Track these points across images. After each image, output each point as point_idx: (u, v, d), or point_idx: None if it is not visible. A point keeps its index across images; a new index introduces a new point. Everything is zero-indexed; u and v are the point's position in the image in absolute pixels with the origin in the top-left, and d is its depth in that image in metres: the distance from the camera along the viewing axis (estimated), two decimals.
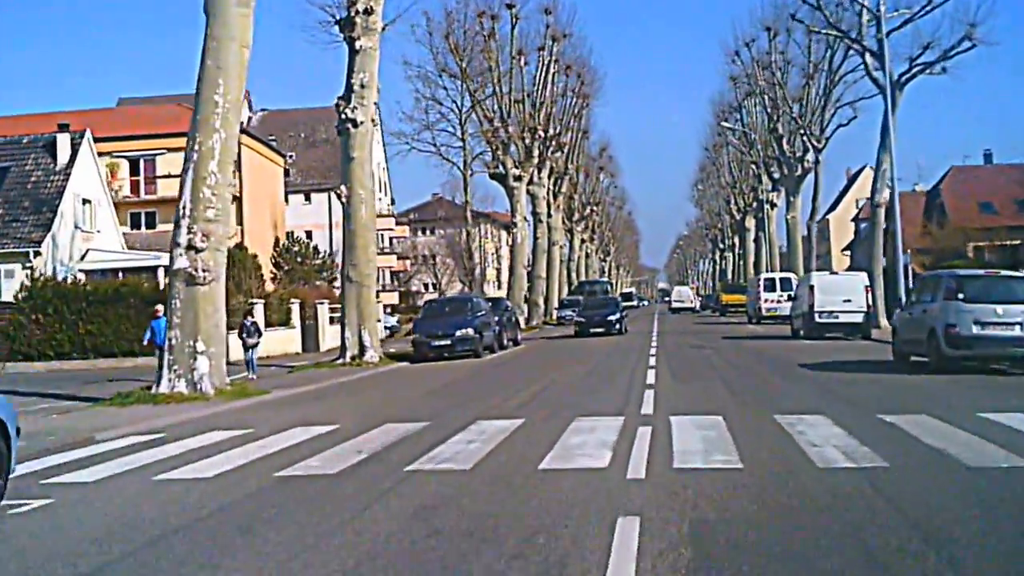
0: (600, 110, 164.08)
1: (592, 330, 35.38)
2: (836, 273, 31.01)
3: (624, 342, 30.28)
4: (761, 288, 44.55)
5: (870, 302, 28.82)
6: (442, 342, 25.27)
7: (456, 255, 79.83)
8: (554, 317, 58.50)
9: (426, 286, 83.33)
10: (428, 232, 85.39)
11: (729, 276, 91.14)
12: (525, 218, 50.47)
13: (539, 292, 57.28)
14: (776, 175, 60.04)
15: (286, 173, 68.18)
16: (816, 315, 28.59)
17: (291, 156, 68.81)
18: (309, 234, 66.77)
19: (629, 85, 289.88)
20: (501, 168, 49.95)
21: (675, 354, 23.52)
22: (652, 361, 20.72)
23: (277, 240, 43.97)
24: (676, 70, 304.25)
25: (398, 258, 74.68)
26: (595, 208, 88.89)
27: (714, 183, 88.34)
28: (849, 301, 28.60)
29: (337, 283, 47.60)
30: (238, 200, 50.40)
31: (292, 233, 43.98)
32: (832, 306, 28.56)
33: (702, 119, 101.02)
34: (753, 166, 65.33)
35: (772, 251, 59.10)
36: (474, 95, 47.03)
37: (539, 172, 56.63)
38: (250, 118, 70.90)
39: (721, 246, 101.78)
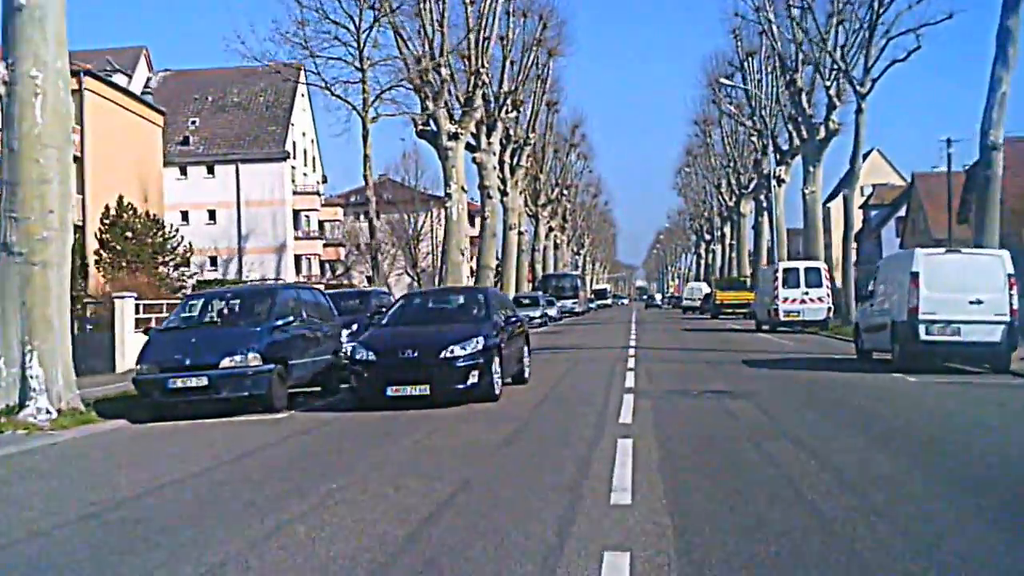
0: (570, 84, 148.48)
1: (394, 390, 11.96)
2: (956, 250, 17.42)
3: (563, 389, 14.50)
4: (779, 283, 31.36)
5: (1015, 304, 15.54)
6: (191, 382, 11.82)
7: (403, 243, 66.43)
8: None
9: (369, 279, 69.59)
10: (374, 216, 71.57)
11: (718, 270, 78.07)
12: (463, 189, 37.07)
13: (486, 286, 43.91)
14: (785, 146, 47.14)
15: (185, 141, 54.81)
16: (923, 328, 15.34)
17: (194, 122, 55.46)
18: (212, 214, 53.48)
19: (605, 55, 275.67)
20: (432, 124, 36.54)
21: (677, 426, 9.97)
22: (623, 476, 7.21)
23: (107, 210, 30.27)
24: (662, 37, 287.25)
25: (326, 245, 61.11)
26: (565, 192, 75.55)
27: (703, 164, 75.14)
28: (980, 303, 15.35)
29: (189, 272, 33.91)
30: (79, 161, 36.88)
31: (122, 199, 30.05)
32: (952, 311, 15.29)
33: (690, 96, 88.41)
34: (755, 136, 52.19)
35: (779, 236, 46.04)
36: (383, 4, 32.68)
37: (488, 136, 43.34)
38: (149, 79, 57.47)
39: (707, 237, 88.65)
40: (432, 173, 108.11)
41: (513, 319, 14.42)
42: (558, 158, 71.69)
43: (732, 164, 62.32)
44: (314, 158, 60.78)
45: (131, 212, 29.48)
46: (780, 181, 46.95)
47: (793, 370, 16.55)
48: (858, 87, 31.84)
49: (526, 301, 45.14)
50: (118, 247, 28.90)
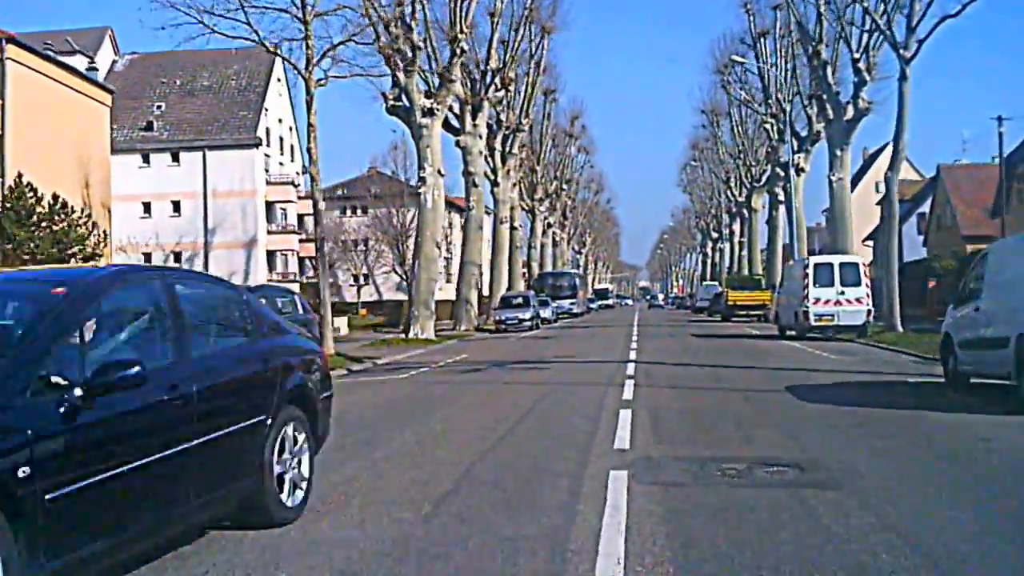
0: (569, 73, 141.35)
1: None
2: None
3: (496, 459, 7.96)
4: (809, 280, 25.63)
5: None
6: None
7: (390, 239, 60.52)
8: (493, 321, 39.59)
9: (356, 278, 64.08)
10: (360, 212, 65.95)
11: (725, 270, 72.34)
12: (440, 172, 31.40)
13: (471, 284, 38.36)
14: (804, 132, 41.51)
15: (148, 127, 49.29)
16: None
17: (159, 106, 50.01)
18: (177, 205, 47.99)
19: (606, 51, 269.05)
20: (404, 98, 30.93)
21: None
22: None
23: (9, 190, 24.64)
24: (667, 28, 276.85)
25: (304, 240, 55.38)
26: (565, 187, 69.83)
27: (710, 158, 69.36)
28: None
29: (103, 262, 28.14)
30: None
31: (21, 177, 24.23)
32: None
33: (697, 83, 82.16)
34: (768, 124, 46.39)
35: (799, 231, 40.32)
36: None
37: (473, 117, 37.80)
38: (114, 62, 52.08)
39: (714, 236, 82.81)
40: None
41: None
42: (556, 149, 66.13)
43: (742, 156, 56.56)
44: (293, 147, 55.15)
45: (31, 193, 23.78)
46: (799, 170, 41.23)
47: (871, 407, 10.78)
48: (901, 51, 26.07)
49: (516, 301, 39.50)
50: (17, 236, 23.24)
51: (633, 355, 19.95)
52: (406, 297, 61.55)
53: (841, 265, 25.98)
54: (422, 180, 30.97)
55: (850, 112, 32.99)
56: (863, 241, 68.95)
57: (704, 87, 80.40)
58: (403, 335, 30.64)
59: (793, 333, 26.83)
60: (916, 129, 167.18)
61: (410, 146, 60.73)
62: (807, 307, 25.52)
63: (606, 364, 17.87)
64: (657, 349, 22.65)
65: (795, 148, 41.10)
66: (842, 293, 25.50)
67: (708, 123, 62.25)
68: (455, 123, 38.04)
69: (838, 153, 33.59)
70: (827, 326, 25.65)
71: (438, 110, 31.00)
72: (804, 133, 41.59)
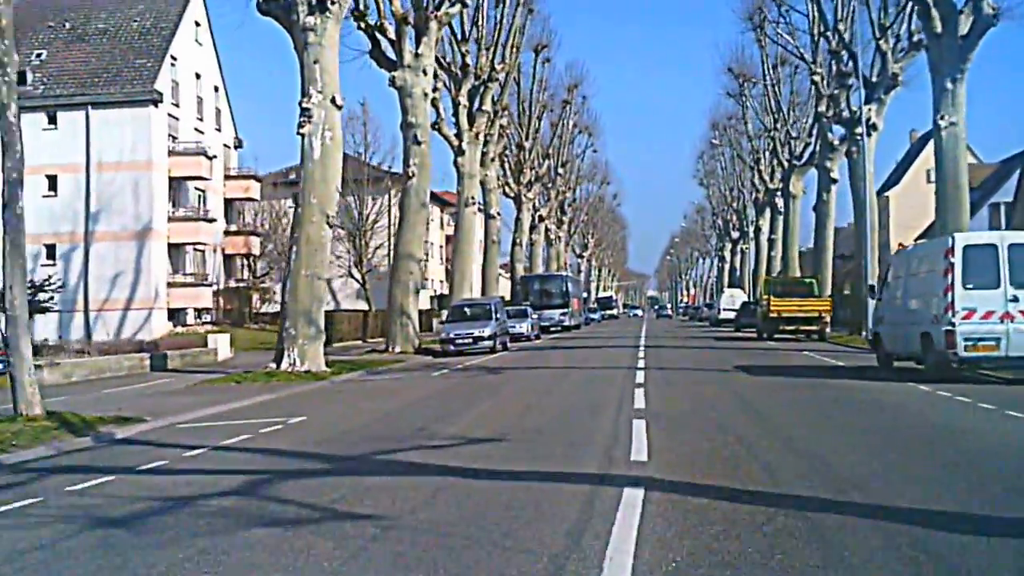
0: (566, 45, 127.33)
1: None
2: None
3: None
4: (956, 276, 13.82)
5: None
6: None
7: (347, 234, 48.42)
8: (439, 339, 27.64)
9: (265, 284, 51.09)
10: None
11: (749, 274, 60.27)
12: (336, 103, 19.54)
13: (408, 288, 26.60)
14: (875, 79, 29.75)
15: (21, 79, 37.45)
16: None
17: (39, 55, 38.43)
18: (53, 181, 36.27)
19: (608, 47, 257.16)
20: None
21: None
22: None
23: None
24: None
25: (232, 233, 43.28)
26: (560, 171, 57.72)
27: (736, 139, 57.25)
28: None
29: None
30: None
31: None
32: None
33: (722, 40, 70.04)
34: (819, 76, 34.40)
35: (871, 212, 28.18)
36: None
37: (417, 43, 26.20)
38: None
39: (734, 235, 70.62)
40: (388, 142, 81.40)
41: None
42: (553, 128, 54.23)
43: (777, 127, 44.48)
44: (219, 111, 43.26)
45: None
46: (872, 128, 29.27)
47: None
48: None
49: (472, 312, 27.35)
50: None
51: (638, 447, 8.06)
52: (365, 306, 49.45)
53: (1012, 248, 14.08)
54: (305, 113, 19.09)
55: (965, 24, 21.53)
56: (915, 240, 56.95)
57: (731, 45, 66.58)
58: (274, 365, 18.94)
59: (912, 365, 15.15)
60: (976, 109, 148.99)
61: (375, 113, 49.02)
62: (951, 323, 13.73)
63: (559, 491, 6.04)
64: (689, 423, 10.65)
65: (863, 98, 29.18)
66: (1015, 300, 13.69)
67: (735, 91, 50.10)
68: (390, 54, 26.41)
69: (948, 85, 21.91)
70: (990, 357, 13.84)
71: (333, 4, 19.19)
72: (876, 80, 29.87)
